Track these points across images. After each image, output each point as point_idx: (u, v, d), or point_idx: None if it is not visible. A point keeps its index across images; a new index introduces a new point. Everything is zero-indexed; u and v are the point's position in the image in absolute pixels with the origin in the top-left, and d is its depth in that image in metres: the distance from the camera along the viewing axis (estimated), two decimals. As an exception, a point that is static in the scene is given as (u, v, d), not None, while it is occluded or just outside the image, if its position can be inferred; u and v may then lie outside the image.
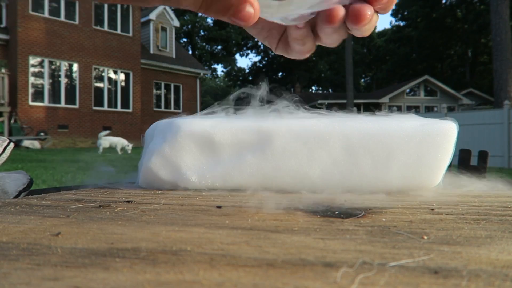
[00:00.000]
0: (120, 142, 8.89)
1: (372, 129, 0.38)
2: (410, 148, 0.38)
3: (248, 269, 0.18)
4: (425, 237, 0.23)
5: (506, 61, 10.59)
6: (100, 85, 12.77)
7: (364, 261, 0.19)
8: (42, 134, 10.65)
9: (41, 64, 11.42)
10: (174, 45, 15.85)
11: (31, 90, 11.13)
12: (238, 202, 0.34)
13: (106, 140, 8.70)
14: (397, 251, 0.21)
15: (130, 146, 8.93)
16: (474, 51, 27.52)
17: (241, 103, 0.46)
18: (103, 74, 12.75)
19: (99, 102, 12.63)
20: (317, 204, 0.33)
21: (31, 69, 11.17)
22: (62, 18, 11.72)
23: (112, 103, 13.03)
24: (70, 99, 11.97)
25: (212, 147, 0.39)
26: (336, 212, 0.30)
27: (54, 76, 11.77)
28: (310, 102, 22.54)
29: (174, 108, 15.46)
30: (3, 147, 0.42)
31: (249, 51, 33.23)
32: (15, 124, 10.18)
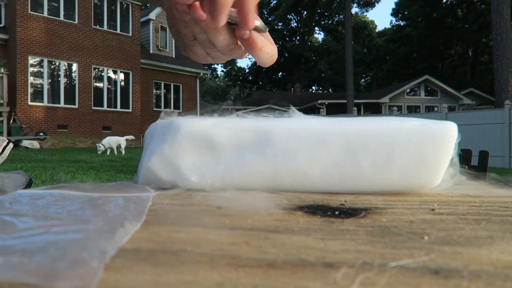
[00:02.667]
0: (119, 140, 8.73)
1: (372, 129, 0.38)
2: (411, 148, 0.38)
3: (248, 270, 0.18)
4: (426, 238, 0.23)
5: (507, 61, 10.59)
6: (100, 85, 12.76)
7: (364, 261, 0.19)
8: (41, 134, 10.64)
9: (40, 64, 11.40)
10: (174, 44, 15.81)
11: (30, 90, 11.12)
12: (238, 202, 0.34)
13: (111, 142, 8.55)
14: (398, 251, 0.21)
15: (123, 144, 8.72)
16: (475, 50, 27.51)
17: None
18: (102, 74, 12.72)
19: (98, 102, 12.61)
20: (317, 204, 0.33)
21: (30, 69, 11.15)
22: (61, 17, 11.70)
23: (111, 103, 13.01)
24: (70, 99, 11.96)
25: (212, 147, 0.39)
26: (336, 212, 0.30)
27: (54, 76, 11.75)
28: (310, 102, 22.54)
29: (174, 108, 15.44)
30: (2, 147, 0.42)
31: (249, 51, 33.17)
32: (14, 124, 10.17)
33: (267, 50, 0.39)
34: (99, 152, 8.30)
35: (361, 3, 32.77)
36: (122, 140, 8.70)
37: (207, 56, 0.41)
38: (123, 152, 8.62)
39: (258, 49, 0.38)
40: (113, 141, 8.60)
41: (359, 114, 15.11)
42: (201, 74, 16.03)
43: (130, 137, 8.94)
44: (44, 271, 0.16)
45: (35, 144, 9.74)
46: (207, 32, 0.37)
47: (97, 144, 8.70)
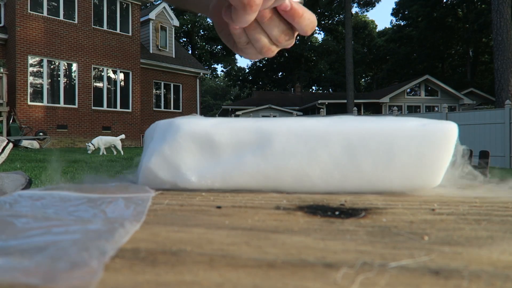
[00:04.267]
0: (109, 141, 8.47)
1: (373, 129, 0.38)
2: (411, 148, 0.38)
3: (248, 270, 0.18)
4: (426, 238, 0.23)
5: (508, 61, 10.59)
6: (100, 85, 12.75)
7: (364, 261, 0.19)
8: (41, 134, 10.62)
9: (40, 64, 11.39)
10: (174, 44, 15.80)
11: (30, 90, 11.11)
12: (238, 202, 0.34)
13: (100, 142, 8.33)
14: (398, 251, 0.21)
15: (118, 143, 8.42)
16: (475, 50, 27.49)
17: None
18: (102, 73, 12.71)
19: (98, 102, 12.60)
20: (317, 204, 0.33)
21: (30, 69, 11.14)
22: (61, 17, 11.68)
23: (111, 103, 13.00)
24: (69, 99, 11.94)
25: (212, 147, 0.39)
26: (337, 213, 0.30)
27: (53, 75, 11.74)
28: (310, 102, 22.54)
29: (174, 108, 15.44)
30: (2, 147, 0.42)
31: (249, 51, 33.23)
32: (13, 124, 10.15)
33: (308, 15, 0.42)
34: (89, 152, 8.08)
35: (361, 3, 32.77)
36: (117, 141, 8.49)
37: (258, 54, 0.46)
38: (122, 152, 8.54)
39: (299, 17, 0.41)
40: (103, 141, 8.34)
41: (359, 114, 15.10)
42: (201, 74, 16.02)
43: (122, 136, 8.76)
44: (44, 272, 0.16)
45: (35, 144, 9.73)
46: (263, 24, 0.41)
47: (86, 144, 8.50)
